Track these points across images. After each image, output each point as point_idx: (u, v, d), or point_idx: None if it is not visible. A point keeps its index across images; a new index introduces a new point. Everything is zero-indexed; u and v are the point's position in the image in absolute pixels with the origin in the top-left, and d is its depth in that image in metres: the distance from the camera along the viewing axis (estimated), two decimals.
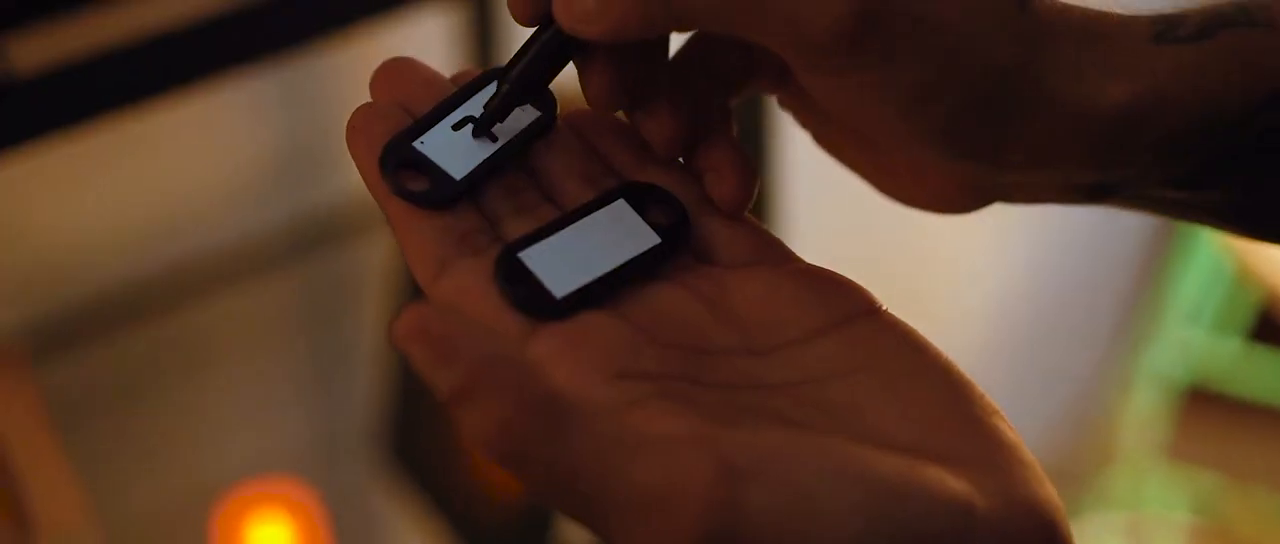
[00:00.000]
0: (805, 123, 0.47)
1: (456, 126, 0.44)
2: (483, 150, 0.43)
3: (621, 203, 0.43)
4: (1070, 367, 1.89)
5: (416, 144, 0.43)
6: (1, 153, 0.78)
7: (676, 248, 0.42)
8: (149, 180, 1.19)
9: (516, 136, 0.44)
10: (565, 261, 0.41)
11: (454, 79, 0.45)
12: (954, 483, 0.35)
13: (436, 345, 0.33)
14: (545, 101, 0.45)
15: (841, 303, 0.41)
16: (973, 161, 0.41)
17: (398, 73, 0.44)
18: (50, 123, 0.80)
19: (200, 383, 1.16)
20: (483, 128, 0.43)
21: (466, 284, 0.40)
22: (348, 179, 1.25)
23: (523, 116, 0.44)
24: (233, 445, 1.15)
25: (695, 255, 0.43)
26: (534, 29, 0.43)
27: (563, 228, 0.42)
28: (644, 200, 0.43)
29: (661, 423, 0.36)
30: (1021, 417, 1.71)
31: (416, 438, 1.14)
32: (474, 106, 0.44)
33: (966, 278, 1.61)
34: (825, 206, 1.45)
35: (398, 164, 0.42)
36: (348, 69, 1.20)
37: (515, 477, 0.34)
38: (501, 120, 0.44)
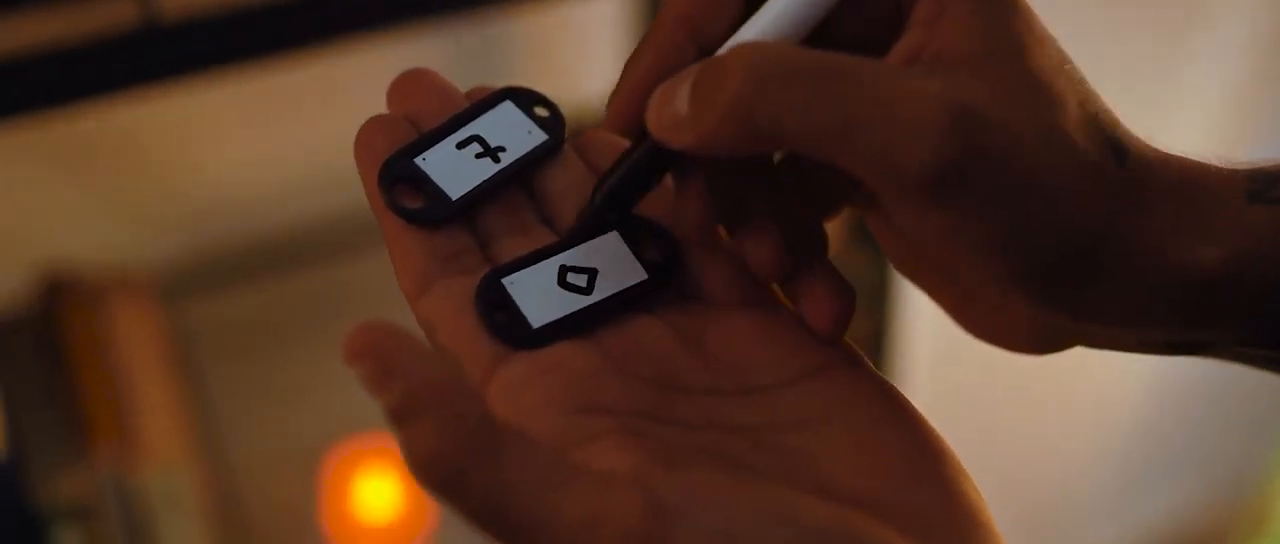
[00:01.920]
0: (887, 246, 0.45)
1: (461, 145, 0.43)
2: (483, 171, 0.43)
3: (614, 235, 0.42)
4: (1224, 436, 1.84)
5: (418, 160, 0.43)
6: (155, 86, 0.80)
7: (664, 284, 0.42)
8: (311, 133, 1.21)
9: (520, 159, 0.43)
10: (548, 291, 0.41)
11: (469, 95, 0.45)
12: (894, 539, 0.35)
13: (381, 364, 0.33)
14: (552, 121, 0.44)
15: (820, 351, 0.40)
16: (1055, 311, 0.40)
17: (414, 85, 0.44)
18: (194, 65, 0.82)
19: (332, 336, 1.18)
20: (569, 243, 0.42)
21: (447, 306, 0.40)
22: None
23: (528, 139, 0.44)
24: (353, 400, 1.16)
25: (686, 292, 0.42)
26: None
27: (551, 255, 0.42)
28: (638, 233, 0.43)
29: (604, 459, 0.36)
30: (1174, 486, 1.66)
31: None
32: (483, 125, 0.44)
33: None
34: None
35: (396, 179, 0.42)
36: (515, 40, 1.21)
37: (449, 503, 0.34)
38: (587, 239, 0.42)
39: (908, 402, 0.39)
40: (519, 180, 0.43)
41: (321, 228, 1.24)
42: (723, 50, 0.39)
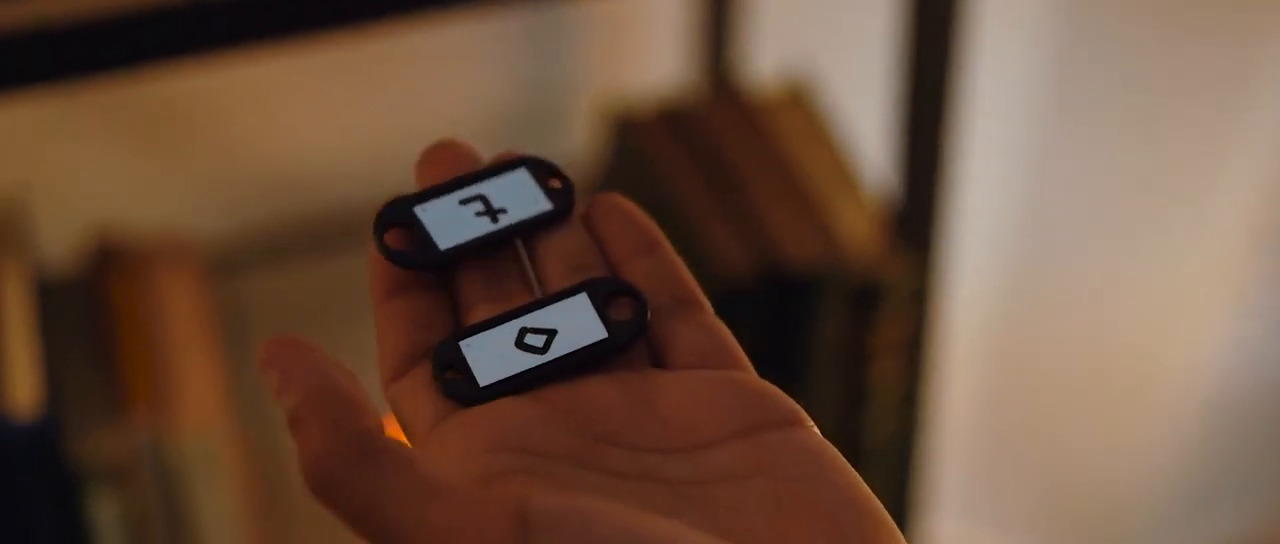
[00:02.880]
0: None
1: (464, 201, 0.44)
2: (478, 228, 0.43)
3: (583, 296, 0.42)
4: None
5: (417, 208, 0.44)
6: (219, 55, 0.81)
7: (623, 346, 0.42)
8: (377, 112, 1.22)
9: (519, 223, 0.44)
10: (504, 351, 0.41)
11: (496, 161, 0.46)
12: None
13: (282, 374, 0.36)
14: (562, 194, 0.44)
15: (762, 412, 0.40)
16: None
17: (444, 155, 0.45)
18: (259, 35, 0.83)
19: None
20: (537, 305, 0.43)
21: (414, 382, 0.41)
22: (571, 141, 1.27)
23: (532, 205, 0.44)
24: None
25: (651, 355, 0.42)
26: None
27: (515, 317, 0.42)
28: (609, 295, 0.43)
29: (506, 489, 0.37)
30: (1236, 508, 1.63)
31: None
32: (491, 187, 0.44)
33: (1186, 369, 1.56)
34: (1038, 302, 1.41)
35: (391, 223, 0.43)
36: (586, 21, 1.22)
37: (327, 506, 0.35)
38: (557, 301, 0.43)
39: (843, 463, 0.39)
40: (514, 244, 0.44)
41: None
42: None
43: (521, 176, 0.44)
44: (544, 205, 0.44)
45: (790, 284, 1.00)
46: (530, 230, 0.44)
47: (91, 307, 1.02)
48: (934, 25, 0.95)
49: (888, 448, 1.09)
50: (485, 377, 0.41)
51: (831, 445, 0.39)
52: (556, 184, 0.44)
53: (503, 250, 0.44)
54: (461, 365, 0.41)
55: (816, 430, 0.40)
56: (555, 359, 0.41)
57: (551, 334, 0.42)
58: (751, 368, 0.42)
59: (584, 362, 0.41)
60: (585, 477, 0.38)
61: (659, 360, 0.42)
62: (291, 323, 1.17)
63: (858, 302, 1.02)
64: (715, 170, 1.05)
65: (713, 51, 1.20)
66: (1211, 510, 1.80)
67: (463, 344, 0.41)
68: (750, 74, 1.21)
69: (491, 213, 0.44)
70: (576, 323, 0.42)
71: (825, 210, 1.03)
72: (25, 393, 0.90)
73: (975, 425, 1.47)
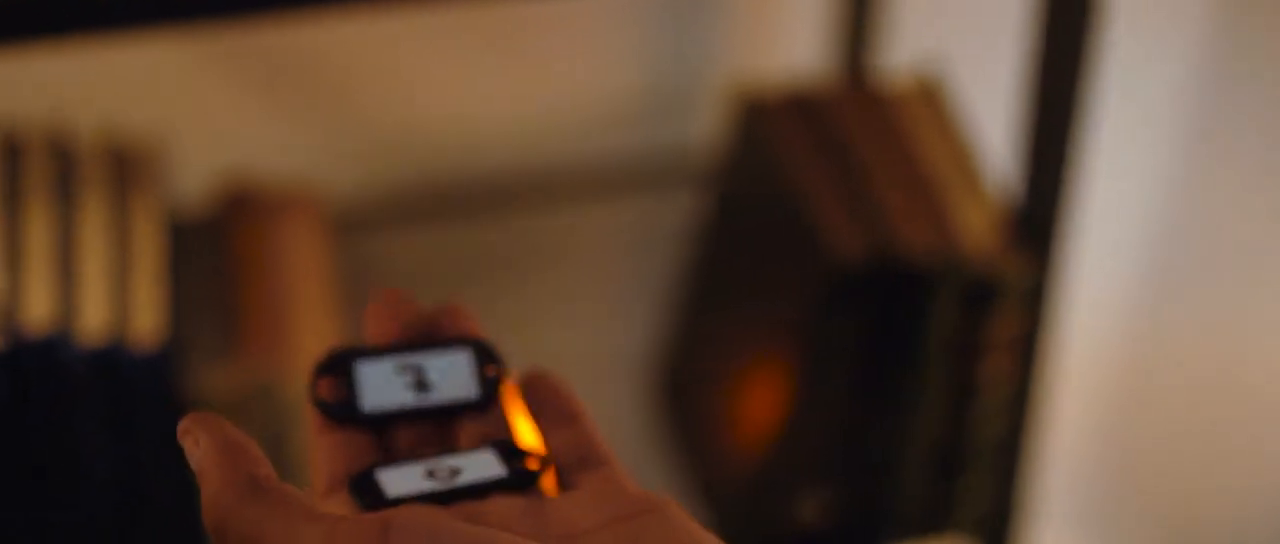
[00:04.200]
0: None
1: (400, 369, 0.48)
2: (403, 398, 0.48)
3: (490, 451, 0.47)
4: None
5: (356, 362, 0.48)
6: (367, 9, 0.83)
7: (521, 487, 0.46)
8: (518, 82, 1.24)
9: (443, 404, 0.48)
10: (414, 478, 0.46)
11: (447, 312, 0.50)
12: None
13: (193, 439, 0.42)
14: (491, 384, 0.48)
15: (633, 503, 0.44)
16: None
17: (390, 306, 0.49)
18: None
19: (495, 288, 1.21)
20: (447, 453, 0.47)
21: (339, 502, 0.46)
22: (699, 122, 1.27)
23: (460, 389, 0.48)
24: (521, 350, 1.18)
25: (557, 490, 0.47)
26: None
27: (427, 460, 0.46)
28: (513, 453, 0.47)
29: None
30: None
31: (688, 385, 1.16)
32: (431, 360, 0.48)
33: None
34: (1167, 323, 1.39)
35: (328, 371, 0.47)
36: (740, 12, 1.22)
37: (221, 543, 0.41)
38: (466, 454, 0.47)
39: (706, 532, 0.44)
40: (438, 417, 0.48)
41: (506, 179, 1.26)
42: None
43: (461, 357, 0.49)
44: (472, 392, 0.48)
45: (905, 275, 1.00)
46: (450, 412, 0.48)
47: (218, 249, 1.05)
48: (1068, 28, 0.95)
49: (994, 448, 1.08)
50: (394, 492, 0.45)
51: (695, 522, 0.44)
52: (491, 372, 0.48)
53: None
54: (375, 488, 0.45)
55: (682, 512, 0.45)
56: (460, 486, 0.46)
57: (458, 471, 0.46)
58: (650, 503, 0.46)
59: (485, 491, 0.46)
60: None
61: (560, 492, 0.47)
62: (412, 283, 1.19)
63: (972, 298, 1.01)
64: (838, 158, 1.05)
65: (850, 42, 1.20)
66: None
67: (377, 472, 0.46)
68: (884, 67, 1.20)
69: (422, 386, 0.48)
70: (482, 466, 0.46)
71: (946, 205, 1.03)
72: (148, 325, 0.93)
73: (1088, 439, 1.46)
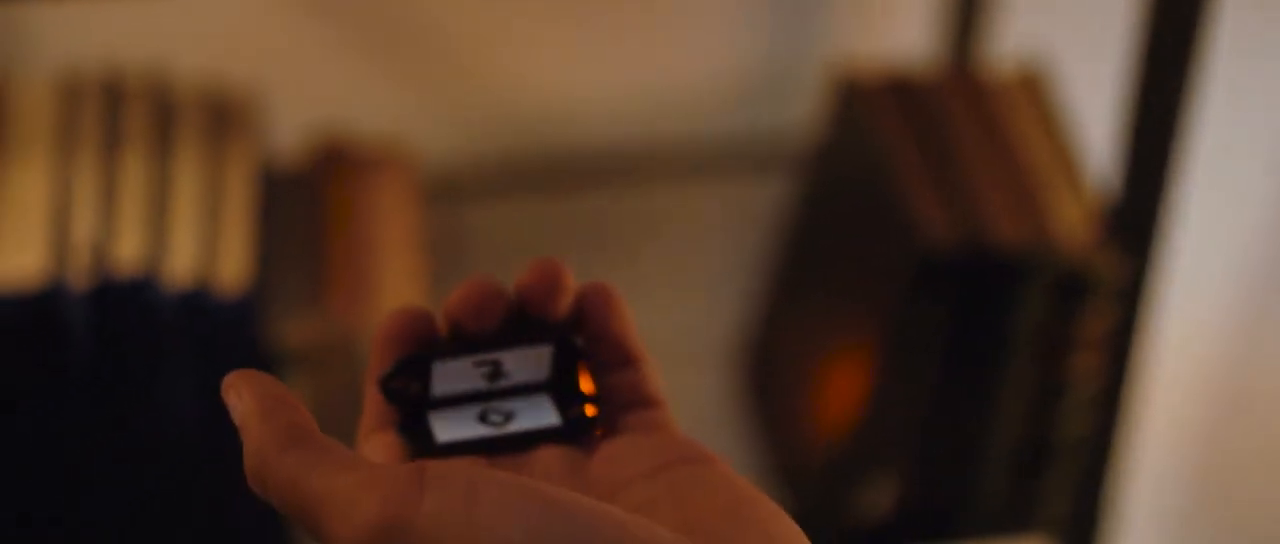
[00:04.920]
0: None
1: (483, 406, 0.47)
2: (475, 431, 0.46)
3: (546, 395, 0.46)
4: None
5: (436, 363, 0.46)
6: None
7: (573, 439, 0.46)
8: (624, 57, 1.24)
9: (522, 434, 0.46)
10: (465, 422, 0.46)
11: (477, 300, 0.47)
12: (663, 533, 0.39)
13: (235, 392, 0.42)
14: (576, 415, 0.47)
15: (675, 453, 0.44)
16: None
17: (477, 296, 0.47)
18: None
19: (588, 265, 1.21)
20: (501, 394, 0.47)
21: (386, 438, 0.46)
22: (802, 106, 1.26)
23: (540, 414, 0.47)
24: None
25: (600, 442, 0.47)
26: None
27: (484, 399, 0.46)
28: (570, 397, 0.46)
29: None
30: None
31: (772, 369, 1.16)
32: (514, 361, 0.46)
33: None
34: (1270, 342, 1.36)
35: (407, 370, 0.46)
36: (845, 6, 1.22)
37: (264, 495, 0.41)
38: (520, 396, 0.47)
39: (745, 481, 0.43)
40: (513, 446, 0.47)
41: (602, 156, 1.26)
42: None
43: (545, 402, 0.47)
44: (552, 415, 0.47)
45: (995, 265, 0.98)
46: (536, 442, 0.46)
47: (309, 202, 1.05)
48: (1176, 24, 0.93)
49: (1079, 446, 1.06)
50: (443, 436, 0.45)
51: (740, 476, 0.43)
52: (589, 412, 0.47)
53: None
54: (426, 430, 0.45)
55: (728, 467, 0.44)
56: (510, 434, 0.45)
57: (511, 415, 0.46)
58: (694, 453, 0.45)
59: (535, 440, 0.45)
60: None
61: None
62: (505, 255, 1.19)
63: (1063, 291, 1.00)
64: (934, 144, 1.04)
65: (958, 30, 1.19)
66: None
67: (431, 414, 0.46)
68: (990, 55, 1.19)
69: (499, 419, 0.47)
70: (535, 411, 0.46)
71: (1042, 197, 1.01)
72: (234, 271, 0.94)
73: (1177, 442, 1.43)
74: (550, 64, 1.22)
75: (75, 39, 1.14)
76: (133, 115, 1.00)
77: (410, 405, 0.46)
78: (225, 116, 1.01)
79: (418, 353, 0.46)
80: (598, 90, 1.25)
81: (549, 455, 0.45)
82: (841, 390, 1.07)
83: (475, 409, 0.46)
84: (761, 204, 1.24)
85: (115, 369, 0.94)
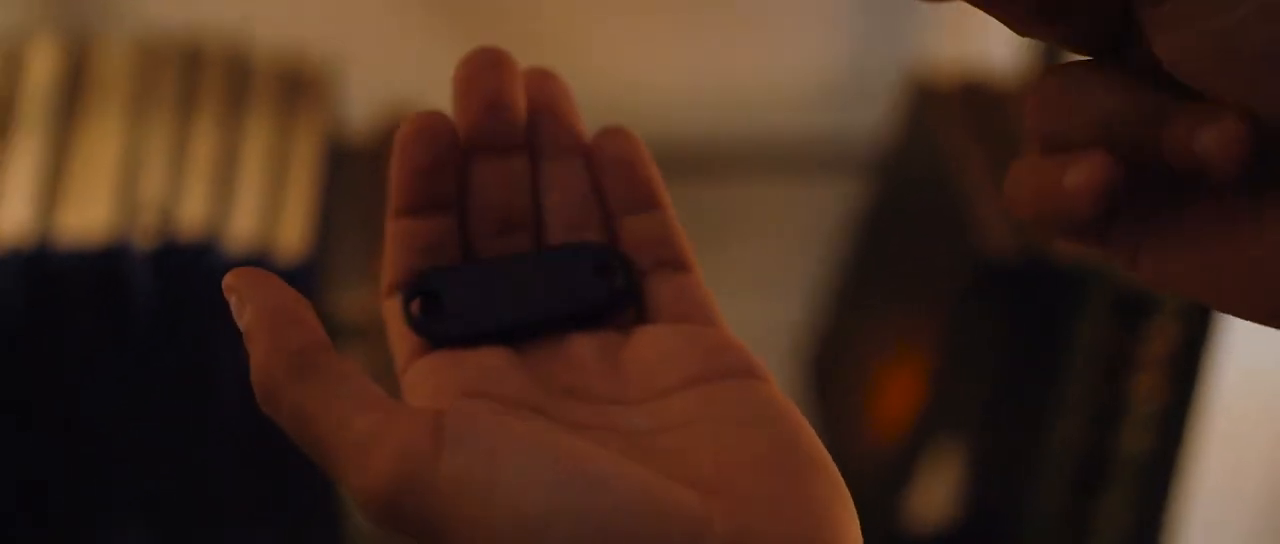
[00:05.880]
0: (1142, 253, 0.39)
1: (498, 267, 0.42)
2: (499, 313, 0.42)
3: (573, 259, 0.42)
4: None
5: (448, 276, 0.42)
6: None
7: (613, 310, 0.42)
8: (707, 51, 1.24)
9: (549, 318, 0.42)
10: (482, 300, 0.41)
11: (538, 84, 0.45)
12: (687, 497, 0.36)
13: (240, 295, 0.39)
14: (619, 287, 0.42)
15: (719, 363, 0.41)
16: None
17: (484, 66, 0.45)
18: None
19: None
20: (529, 258, 0.43)
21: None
22: (878, 110, 1.26)
23: (579, 283, 0.42)
24: None
25: (641, 315, 0.43)
26: None
27: (503, 267, 0.42)
28: (599, 259, 0.42)
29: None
30: None
31: (833, 371, 1.15)
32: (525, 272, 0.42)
33: None
34: None
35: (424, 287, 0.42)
36: (930, 11, 1.21)
37: (270, 414, 0.38)
38: (551, 260, 0.43)
39: (793, 411, 0.40)
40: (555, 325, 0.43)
41: (679, 150, 1.26)
42: None
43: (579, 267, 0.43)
44: (597, 284, 0.42)
45: (1057, 275, 0.97)
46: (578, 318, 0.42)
47: (376, 177, 1.06)
48: None
49: (1139, 465, 1.05)
50: (457, 322, 0.41)
51: (786, 398, 0.40)
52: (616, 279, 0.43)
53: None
54: (437, 305, 0.41)
55: (773, 384, 0.41)
56: (529, 317, 0.42)
57: (533, 291, 0.42)
58: (726, 328, 0.42)
59: (559, 323, 0.42)
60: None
61: (642, 316, 0.43)
62: None
63: (1126, 308, 0.98)
64: (1002, 151, 1.03)
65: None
66: None
67: (442, 285, 0.42)
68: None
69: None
70: (561, 284, 0.42)
71: None
72: (294, 239, 0.95)
73: (1240, 468, 1.40)
74: (630, 55, 1.22)
75: (163, 6, 1.15)
76: (208, 81, 1.01)
77: (428, 299, 0.42)
78: (299, 87, 1.02)
79: (433, 267, 0.42)
80: (678, 84, 1.25)
81: (579, 352, 0.42)
82: (898, 394, 1.07)
83: (493, 278, 0.42)
84: (834, 205, 1.23)
85: (175, 328, 0.96)
